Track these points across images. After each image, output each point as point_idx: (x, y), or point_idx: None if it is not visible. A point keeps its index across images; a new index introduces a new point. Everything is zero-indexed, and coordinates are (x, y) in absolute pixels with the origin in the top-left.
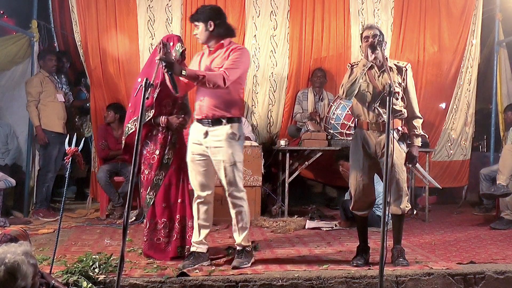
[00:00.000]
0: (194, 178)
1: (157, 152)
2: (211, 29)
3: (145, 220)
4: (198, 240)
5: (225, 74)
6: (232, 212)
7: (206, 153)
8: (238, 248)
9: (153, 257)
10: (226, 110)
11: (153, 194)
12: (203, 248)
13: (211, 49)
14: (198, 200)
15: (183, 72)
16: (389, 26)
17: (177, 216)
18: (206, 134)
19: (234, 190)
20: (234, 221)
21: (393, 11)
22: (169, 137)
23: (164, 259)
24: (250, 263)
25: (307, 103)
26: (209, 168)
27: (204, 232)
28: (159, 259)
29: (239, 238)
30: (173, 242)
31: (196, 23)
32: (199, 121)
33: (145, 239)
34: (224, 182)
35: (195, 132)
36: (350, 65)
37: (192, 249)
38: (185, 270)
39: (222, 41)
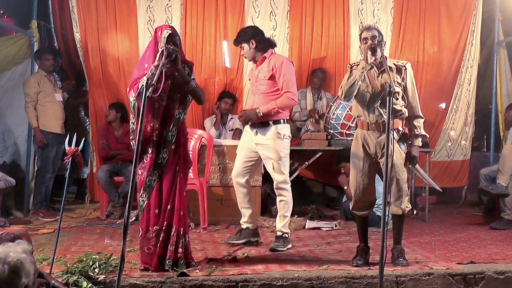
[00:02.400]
0: (239, 165)
1: (150, 150)
2: (253, 46)
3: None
4: (243, 220)
5: (290, 93)
6: (277, 200)
7: (255, 149)
8: (278, 233)
9: (145, 266)
10: (273, 115)
11: (145, 196)
12: (250, 225)
13: (257, 62)
14: (236, 188)
15: (260, 114)
16: (389, 26)
17: (165, 224)
18: (256, 133)
19: (280, 182)
20: (278, 209)
21: (392, 11)
22: (165, 134)
23: (155, 270)
24: (285, 248)
25: (305, 102)
26: (254, 160)
27: (247, 212)
28: (153, 270)
29: (279, 224)
30: (157, 251)
31: (240, 45)
32: (251, 125)
33: (139, 248)
34: (272, 174)
35: (247, 130)
36: (350, 66)
37: (242, 227)
38: (185, 271)
39: (265, 54)
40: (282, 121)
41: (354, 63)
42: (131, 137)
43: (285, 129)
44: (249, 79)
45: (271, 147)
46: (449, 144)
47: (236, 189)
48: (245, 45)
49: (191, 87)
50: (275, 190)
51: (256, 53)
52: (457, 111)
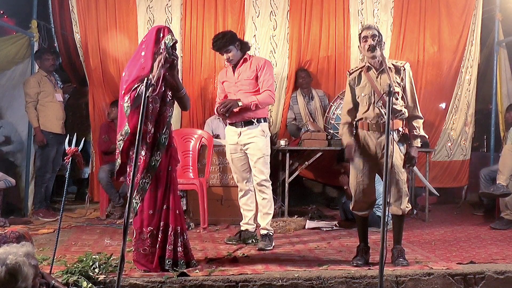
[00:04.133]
0: (235, 173)
1: (143, 152)
2: (239, 48)
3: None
4: (244, 222)
5: (270, 92)
6: (259, 198)
7: (242, 150)
8: (262, 232)
9: (143, 269)
10: (255, 113)
11: (139, 198)
12: (249, 227)
13: (238, 64)
14: (241, 193)
15: (240, 103)
16: (389, 26)
17: (161, 224)
18: (240, 134)
19: (262, 180)
20: (260, 207)
21: (393, 11)
22: (158, 136)
23: (154, 271)
24: (272, 247)
25: (298, 107)
26: (246, 163)
27: (249, 214)
28: (150, 270)
29: (263, 222)
30: (156, 252)
31: (227, 49)
32: (233, 124)
33: (133, 249)
34: (254, 172)
35: (230, 135)
36: (349, 73)
37: (242, 228)
38: (185, 271)
39: (245, 56)
40: (263, 119)
41: (353, 69)
42: (118, 139)
43: (267, 128)
44: (222, 82)
45: (256, 145)
46: (449, 144)
47: (239, 197)
48: (232, 48)
49: (182, 94)
50: (256, 187)
51: (240, 54)
52: (457, 111)
